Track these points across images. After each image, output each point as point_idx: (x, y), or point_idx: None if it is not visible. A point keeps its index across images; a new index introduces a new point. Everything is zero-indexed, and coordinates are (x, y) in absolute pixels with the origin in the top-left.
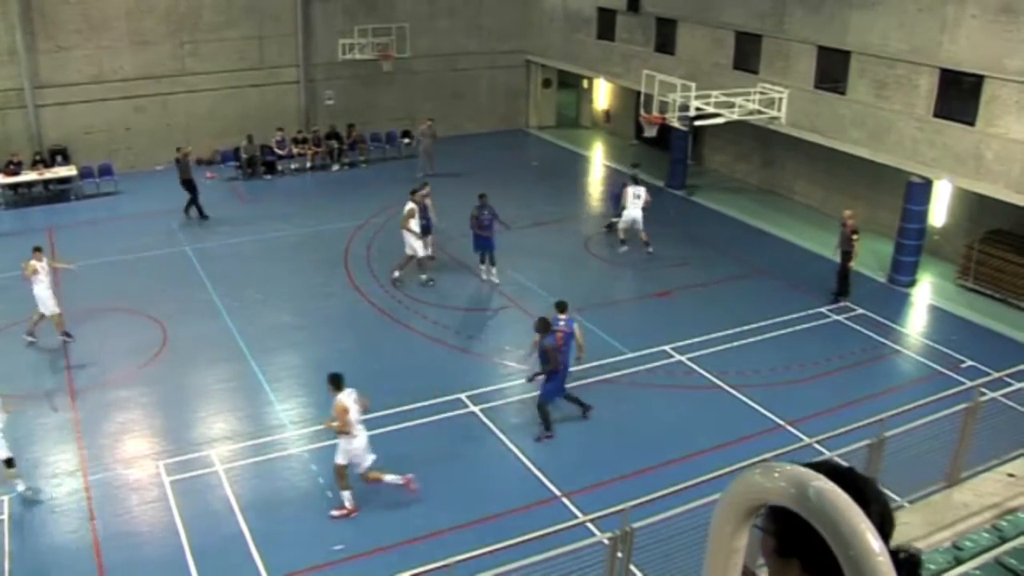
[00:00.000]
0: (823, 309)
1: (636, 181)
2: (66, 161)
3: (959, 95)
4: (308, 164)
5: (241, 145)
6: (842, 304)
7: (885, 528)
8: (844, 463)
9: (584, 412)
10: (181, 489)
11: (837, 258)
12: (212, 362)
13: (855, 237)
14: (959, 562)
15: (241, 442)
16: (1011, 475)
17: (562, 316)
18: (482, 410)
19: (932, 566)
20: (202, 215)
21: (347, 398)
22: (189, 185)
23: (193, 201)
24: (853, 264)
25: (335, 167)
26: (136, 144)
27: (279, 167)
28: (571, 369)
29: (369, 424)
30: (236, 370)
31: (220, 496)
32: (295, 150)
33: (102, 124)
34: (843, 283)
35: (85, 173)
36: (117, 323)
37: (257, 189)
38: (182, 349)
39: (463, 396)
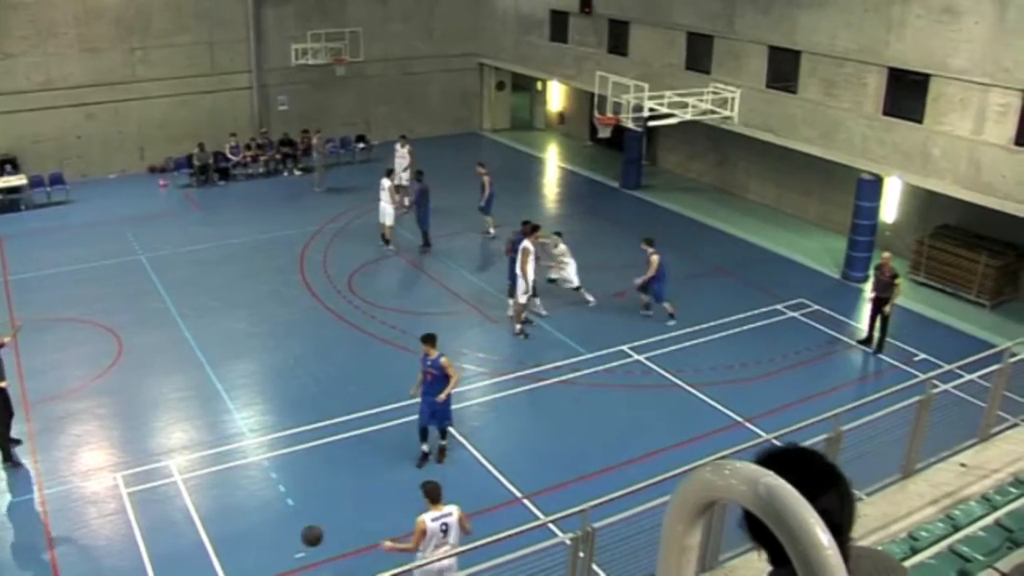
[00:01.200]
0: (779, 306)
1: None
2: (15, 170)
3: (906, 93)
4: (262, 170)
5: (193, 153)
6: (873, 351)
7: (845, 509)
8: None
9: (423, 456)
10: (140, 500)
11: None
12: (168, 371)
13: (897, 282)
14: (915, 552)
15: (200, 451)
16: (963, 465)
17: (431, 354)
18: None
19: None
20: None
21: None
22: None
23: None
24: (889, 310)
25: (294, 172)
26: (87, 152)
27: (233, 173)
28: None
29: (328, 430)
30: (193, 379)
31: (179, 506)
32: (248, 156)
33: (52, 132)
34: (882, 335)
35: (35, 182)
36: (71, 333)
37: (211, 196)
38: (138, 359)
39: None
